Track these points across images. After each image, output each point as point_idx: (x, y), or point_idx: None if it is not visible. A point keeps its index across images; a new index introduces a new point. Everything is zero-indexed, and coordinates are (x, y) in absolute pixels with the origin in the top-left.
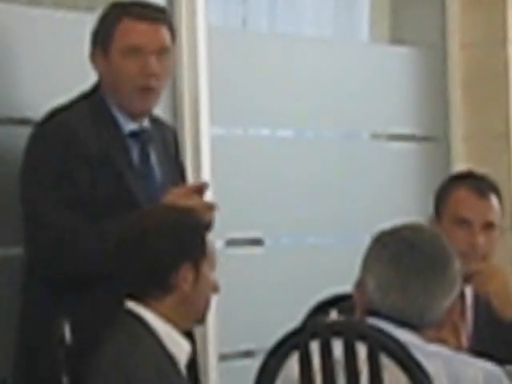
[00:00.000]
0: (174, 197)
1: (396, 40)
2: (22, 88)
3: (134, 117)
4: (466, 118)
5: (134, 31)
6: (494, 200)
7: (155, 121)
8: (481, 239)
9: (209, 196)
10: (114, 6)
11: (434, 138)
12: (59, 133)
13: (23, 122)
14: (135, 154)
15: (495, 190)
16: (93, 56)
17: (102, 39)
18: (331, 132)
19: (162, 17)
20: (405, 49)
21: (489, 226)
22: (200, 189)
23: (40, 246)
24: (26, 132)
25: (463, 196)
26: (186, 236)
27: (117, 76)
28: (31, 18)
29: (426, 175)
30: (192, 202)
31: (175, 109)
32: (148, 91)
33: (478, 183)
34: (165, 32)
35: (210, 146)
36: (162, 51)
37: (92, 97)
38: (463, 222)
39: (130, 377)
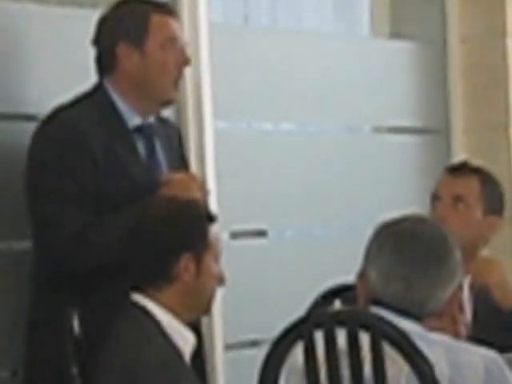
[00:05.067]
0: (177, 188)
1: (396, 34)
2: (26, 84)
3: (161, 107)
4: (465, 111)
5: (167, 25)
6: (470, 179)
7: (160, 120)
8: (444, 211)
9: (213, 189)
10: (133, 3)
11: (435, 130)
12: (62, 130)
13: (28, 118)
14: (141, 148)
15: (484, 177)
16: (115, 52)
17: (133, 35)
18: (333, 125)
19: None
20: (405, 43)
21: (457, 200)
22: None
23: (48, 244)
24: (31, 128)
25: (441, 178)
26: (187, 227)
27: (155, 69)
28: (36, 15)
29: (427, 167)
30: (194, 193)
31: (179, 103)
32: (180, 81)
33: (461, 168)
34: None
35: (213, 140)
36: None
37: (96, 94)
38: (436, 201)
39: (136, 369)
